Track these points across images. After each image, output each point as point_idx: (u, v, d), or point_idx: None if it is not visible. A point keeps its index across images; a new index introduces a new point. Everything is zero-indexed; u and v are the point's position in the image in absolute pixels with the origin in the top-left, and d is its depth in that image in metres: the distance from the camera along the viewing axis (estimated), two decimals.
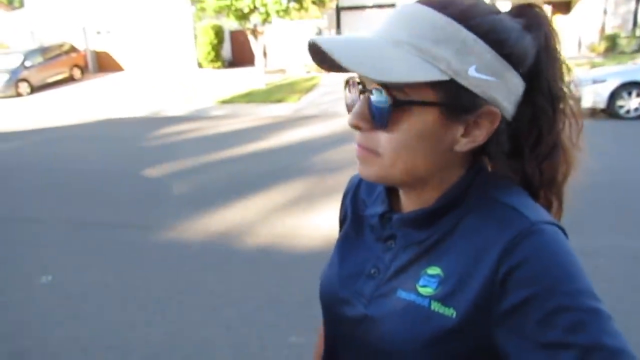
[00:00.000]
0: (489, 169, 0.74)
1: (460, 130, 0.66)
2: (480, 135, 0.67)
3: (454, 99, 0.64)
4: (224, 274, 3.93)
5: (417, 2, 0.66)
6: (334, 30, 19.57)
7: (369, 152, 0.69)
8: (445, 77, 0.62)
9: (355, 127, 0.69)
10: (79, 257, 4.38)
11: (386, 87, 0.64)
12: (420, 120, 0.65)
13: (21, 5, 36.82)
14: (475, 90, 0.64)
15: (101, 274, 4.02)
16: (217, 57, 21.08)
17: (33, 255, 4.45)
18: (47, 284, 3.87)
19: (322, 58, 0.67)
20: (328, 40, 0.64)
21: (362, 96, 0.68)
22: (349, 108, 0.73)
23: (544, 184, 0.75)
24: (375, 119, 0.67)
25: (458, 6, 0.64)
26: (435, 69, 0.62)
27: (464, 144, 0.67)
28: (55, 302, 3.60)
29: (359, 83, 0.69)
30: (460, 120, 0.66)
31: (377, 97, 0.65)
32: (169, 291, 3.66)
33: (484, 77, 0.64)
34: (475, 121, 0.66)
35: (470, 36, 0.63)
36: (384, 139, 0.67)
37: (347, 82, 0.74)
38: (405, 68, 0.62)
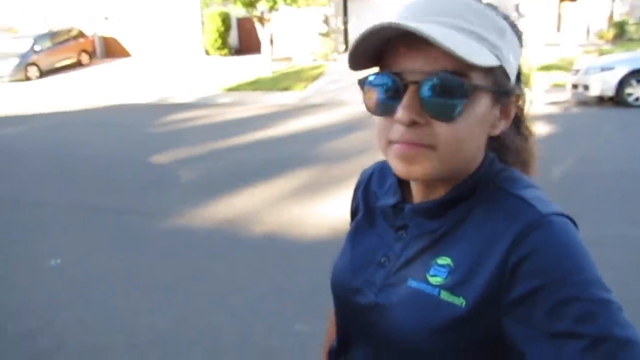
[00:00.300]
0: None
1: (497, 113, 0.70)
2: (510, 117, 0.72)
3: (501, 84, 0.67)
4: (230, 261, 3.94)
5: None
6: (340, 18, 19.41)
7: (423, 148, 0.65)
8: (499, 63, 0.65)
9: (411, 122, 0.64)
10: (86, 241, 4.40)
11: (458, 73, 0.62)
12: (481, 106, 0.66)
13: None
14: (511, 75, 0.69)
15: (107, 259, 4.04)
16: (224, 44, 21.00)
17: (41, 239, 4.48)
18: (55, 267, 3.89)
19: (358, 57, 0.66)
20: (408, 23, 0.60)
21: (411, 88, 0.63)
22: (378, 108, 0.68)
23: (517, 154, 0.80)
24: (443, 108, 0.63)
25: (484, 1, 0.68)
26: (492, 55, 0.64)
27: (501, 126, 0.72)
28: (62, 285, 3.62)
29: (394, 74, 0.65)
30: (500, 103, 0.69)
31: (450, 84, 0.62)
32: (175, 278, 3.68)
33: (515, 63, 0.70)
34: (507, 105, 0.71)
35: (506, 26, 0.68)
36: (445, 130, 0.64)
37: (363, 82, 0.70)
38: (483, 53, 0.63)
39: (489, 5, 0.68)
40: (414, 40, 0.61)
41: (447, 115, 0.63)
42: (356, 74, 0.71)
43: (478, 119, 0.66)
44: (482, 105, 0.66)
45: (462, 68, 0.62)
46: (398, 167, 0.68)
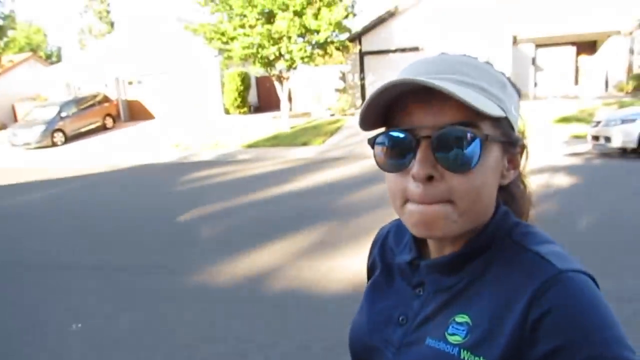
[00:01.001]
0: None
1: (506, 163, 0.72)
2: (519, 167, 0.74)
3: (508, 135, 0.70)
4: (250, 318, 3.90)
5: (445, 53, 0.71)
6: (357, 75, 19.89)
7: (442, 204, 0.65)
8: (504, 115, 0.68)
9: (427, 177, 0.64)
10: (109, 303, 4.41)
11: (471, 124, 0.64)
12: (493, 156, 0.68)
13: (59, 59, 38.82)
14: (515, 127, 0.71)
15: (131, 320, 4.04)
16: (244, 102, 21.59)
17: (64, 302, 4.51)
18: (77, 332, 3.90)
19: (369, 115, 0.68)
20: (422, 79, 0.62)
21: (424, 142, 0.64)
22: (392, 165, 0.68)
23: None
24: (458, 159, 0.63)
25: (482, 59, 0.72)
26: (497, 106, 0.67)
27: (509, 176, 0.73)
28: (86, 350, 3.61)
29: (406, 131, 0.66)
30: (509, 153, 0.72)
31: (463, 136, 0.63)
32: (197, 338, 3.64)
33: (517, 115, 0.73)
34: (514, 155, 0.73)
35: (506, 80, 0.72)
36: (461, 182, 0.64)
37: (373, 140, 0.71)
38: (490, 104, 0.65)
39: (487, 62, 0.71)
40: (423, 96, 0.64)
41: (463, 167, 0.64)
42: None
43: (491, 170, 0.67)
44: (494, 155, 0.67)
45: (472, 119, 0.64)
46: (415, 227, 0.68)
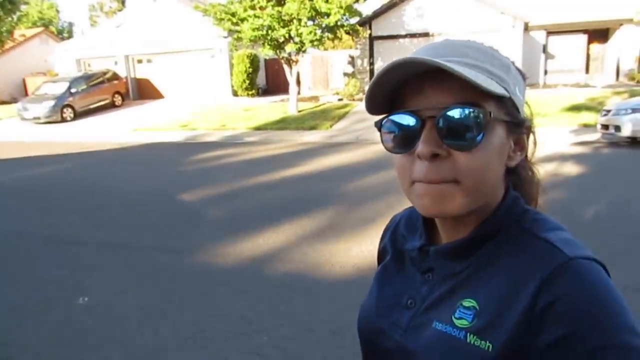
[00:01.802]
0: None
1: (512, 144, 0.72)
2: (525, 148, 0.74)
3: (513, 115, 0.70)
4: (255, 299, 3.94)
5: (450, 39, 0.72)
6: (366, 60, 19.75)
7: (447, 183, 0.66)
8: (508, 95, 0.68)
9: (432, 155, 0.65)
10: (116, 279, 4.47)
11: (475, 104, 0.65)
12: (497, 136, 0.68)
13: (70, 35, 38.80)
14: (520, 108, 0.72)
15: (136, 296, 4.09)
16: (252, 85, 21.52)
17: (72, 277, 4.57)
18: (83, 305, 3.96)
19: (375, 97, 0.69)
20: (427, 58, 0.63)
21: (428, 122, 0.66)
22: (398, 146, 0.70)
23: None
24: (462, 137, 0.65)
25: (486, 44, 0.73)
26: (502, 87, 0.67)
27: (516, 158, 0.73)
28: (91, 324, 3.67)
29: (411, 112, 0.67)
30: (514, 134, 0.72)
31: (467, 114, 0.64)
32: (201, 316, 3.69)
33: (522, 97, 0.73)
34: (520, 136, 0.73)
35: (510, 63, 0.72)
36: (465, 161, 0.65)
37: (380, 123, 0.72)
38: (494, 84, 0.66)
39: (491, 46, 0.72)
40: (427, 78, 0.65)
41: (467, 145, 0.65)
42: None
43: (496, 149, 0.68)
44: (498, 135, 0.68)
45: (476, 99, 0.65)
46: (423, 206, 0.68)
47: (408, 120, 0.68)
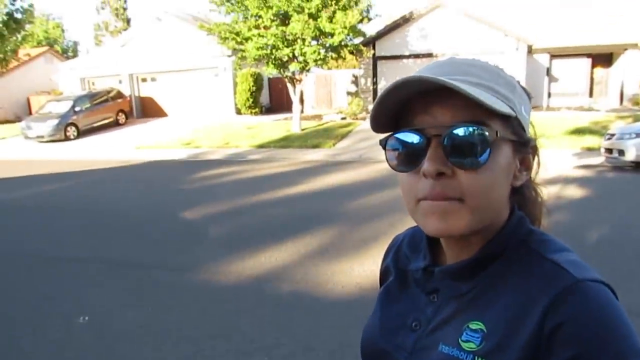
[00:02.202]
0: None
1: (518, 164, 0.72)
2: (531, 168, 0.74)
3: (519, 135, 0.70)
4: (256, 318, 3.91)
5: (454, 57, 0.72)
6: (370, 79, 19.89)
7: (452, 201, 0.65)
8: (514, 114, 0.68)
9: (438, 174, 0.65)
10: (116, 297, 4.45)
11: (481, 122, 0.65)
12: (503, 155, 0.68)
13: (75, 54, 39.23)
14: (525, 126, 0.71)
15: (137, 314, 4.07)
16: (255, 103, 21.64)
17: (73, 295, 4.55)
18: (84, 324, 3.93)
19: (379, 115, 0.69)
20: (432, 76, 0.63)
21: (434, 141, 0.65)
22: (403, 164, 0.69)
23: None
24: (468, 156, 0.64)
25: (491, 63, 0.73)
26: (507, 106, 0.67)
27: (522, 178, 0.73)
28: (91, 342, 3.64)
29: (417, 131, 0.67)
30: (520, 154, 0.72)
31: (472, 133, 0.64)
32: (202, 334, 3.66)
33: (527, 116, 0.73)
34: (526, 155, 0.73)
35: (515, 83, 0.72)
36: (471, 180, 0.65)
37: (385, 141, 0.72)
38: (499, 103, 0.66)
39: (496, 65, 0.72)
40: (432, 97, 0.65)
41: (473, 164, 0.64)
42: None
43: (502, 168, 0.67)
44: (504, 154, 0.68)
45: (481, 118, 0.65)
46: (428, 225, 0.67)
47: (413, 138, 0.68)
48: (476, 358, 0.64)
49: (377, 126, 0.72)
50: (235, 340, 3.57)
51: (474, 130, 0.64)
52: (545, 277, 0.64)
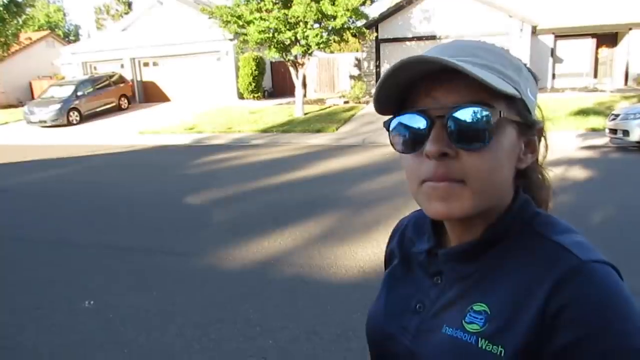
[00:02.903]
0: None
1: (523, 146, 0.71)
2: (537, 150, 0.73)
3: (524, 117, 0.69)
4: (261, 302, 3.93)
5: (460, 40, 0.72)
6: (372, 62, 19.75)
7: (455, 183, 0.65)
8: (520, 95, 0.66)
9: (441, 154, 0.64)
10: (121, 282, 4.48)
11: (485, 104, 0.64)
12: (507, 137, 0.67)
13: (77, 38, 39.04)
14: (531, 109, 0.70)
15: (141, 299, 4.09)
16: (258, 87, 21.55)
17: (77, 279, 4.58)
18: (89, 308, 3.96)
19: (383, 97, 0.69)
20: (438, 57, 0.62)
21: (437, 122, 0.65)
22: (407, 146, 0.69)
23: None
24: (471, 137, 0.64)
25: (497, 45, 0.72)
26: (513, 87, 0.66)
27: (526, 161, 0.72)
28: (97, 326, 3.67)
29: (420, 112, 0.66)
30: (525, 136, 0.71)
31: (476, 114, 0.63)
32: (207, 318, 3.68)
33: (533, 98, 0.71)
34: (531, 138, 0.72)
35: (521, 65, 0.71)
36: (474, 162, 0.64)
37: (389, 122, 0.71)
38: (505, 84, 0.65)
39: (502, 47, 0.71)
40: (437, 78, 0.65)
41: (476, 145, 0.64)
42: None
43: (505, 150, 0.67)
44: (508, 136, 0.67)
45: (486, 99, 0.64)
46: (430, 207, 0.67)
47: (417, 120, 0.67)
48: (480, 339, 0.64)
49: (381, 107, 0.71)
50: (240, 324, 3.59)
51: (477, 111, 0.63)
52: (549, 259, 0.64)
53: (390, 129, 0.71)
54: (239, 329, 3.51)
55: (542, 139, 0.75)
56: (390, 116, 0.71)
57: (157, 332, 3.54)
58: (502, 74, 0.66)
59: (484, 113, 0.63)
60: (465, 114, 0.63)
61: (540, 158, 0.76)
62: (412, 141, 0.68)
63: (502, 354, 0.62)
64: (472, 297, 0.69)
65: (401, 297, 0.79)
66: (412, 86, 0.68)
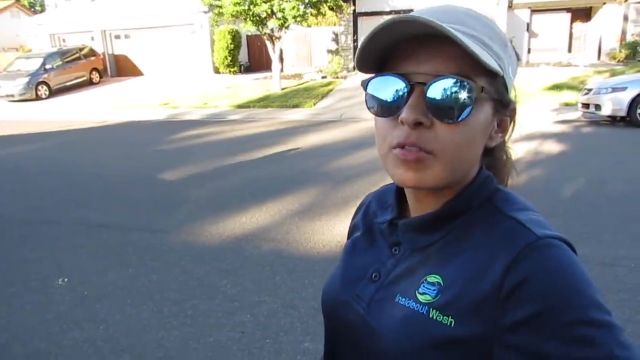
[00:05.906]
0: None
1: (495, 125, 0.70)
2: (507, 130, 0.72)
3: (502, 94, 0.68)
4: (238, 277, 3.93)
5: (452, 5, 0.69)
6: (350, 36, 19.57)
7: (423, 153, 0.64)
8: (502, 73, 0.65)
9: (416, 123, 0.63)
10: (96, 259, 4.42)
11: (467, 77, 0.62)
12: (484, 113, 0.66)
13: (43, 9, 37.67)
14: (509, 88, 0.69)
15: (117, 276, 4.05)
16: (234, 62, 21.22)
17: (51, 257, 4.51)
18: (63, 286, 3.91)
19: (367, 57, 0.67)
20: (433, 21, 0.59)
21: (417, 89, 0.63)
22: (382, 109, 0.67)
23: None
24: (449, 109, 0.62)
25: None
26: (497, 64, 0.64)
27: (497, 139, 0.71)
28: (72, 303, 3.63)
29: (401, 75, 0.64)
30: (499, 115, 0.70)
31: (458, 87, 0.62)
32: (184, 294, 3.67)
33: (512, 78, 0.70)
34: (504, 118, 0.71)
35: (507, 41, 0.69)
36: (447, 134, 0.63)
37: (367, 82, 0.69)
38: (489, 58, 0.63)
39: (491, 18, 0.69)
40: (422, 42, 0.63)
41: (454, 117, 0.62)
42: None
43: (480, 127, 0.66)
44: (485, 113, 0.66)
45: (468, 72, 0.62)
46: (398, 175, 0.66)
47: (396, 83, 0.65)
48: (431, 310, 0.65)
49: (362, 65, 0.69)
50: (217, 300, 3.59)
51: (460, 83, 0.62)
52: (506, 234, 0.64)
53: (367, 89, 0.69)
54: (216, 305, 3.51)
55: (513, 120, 0.74)
56: (369, 75, 0.69)
57: (133, 308, 3.52)
58: (489, 48, 0.64)
59: (467, 86, 0.62)
60: (447, 85, 0.61)
61: (506, 137, 0.76)
62: (389, 105, 0.66)
63: (452, 324, 0.62)
64: (428, 268, 0.69)
65: (359, 266, 0.79)
66: (396, 47, 0.65)
